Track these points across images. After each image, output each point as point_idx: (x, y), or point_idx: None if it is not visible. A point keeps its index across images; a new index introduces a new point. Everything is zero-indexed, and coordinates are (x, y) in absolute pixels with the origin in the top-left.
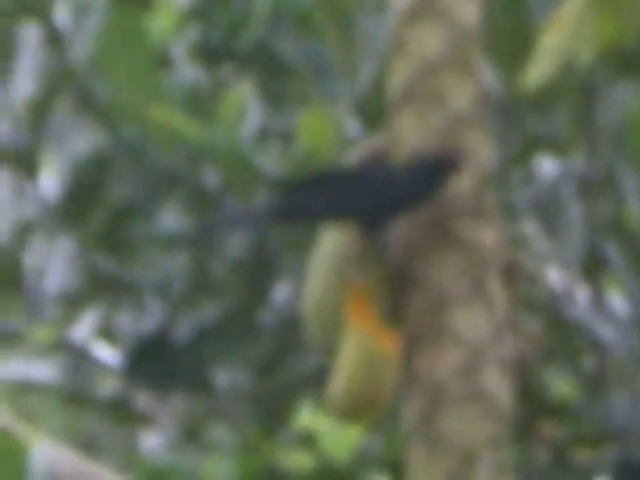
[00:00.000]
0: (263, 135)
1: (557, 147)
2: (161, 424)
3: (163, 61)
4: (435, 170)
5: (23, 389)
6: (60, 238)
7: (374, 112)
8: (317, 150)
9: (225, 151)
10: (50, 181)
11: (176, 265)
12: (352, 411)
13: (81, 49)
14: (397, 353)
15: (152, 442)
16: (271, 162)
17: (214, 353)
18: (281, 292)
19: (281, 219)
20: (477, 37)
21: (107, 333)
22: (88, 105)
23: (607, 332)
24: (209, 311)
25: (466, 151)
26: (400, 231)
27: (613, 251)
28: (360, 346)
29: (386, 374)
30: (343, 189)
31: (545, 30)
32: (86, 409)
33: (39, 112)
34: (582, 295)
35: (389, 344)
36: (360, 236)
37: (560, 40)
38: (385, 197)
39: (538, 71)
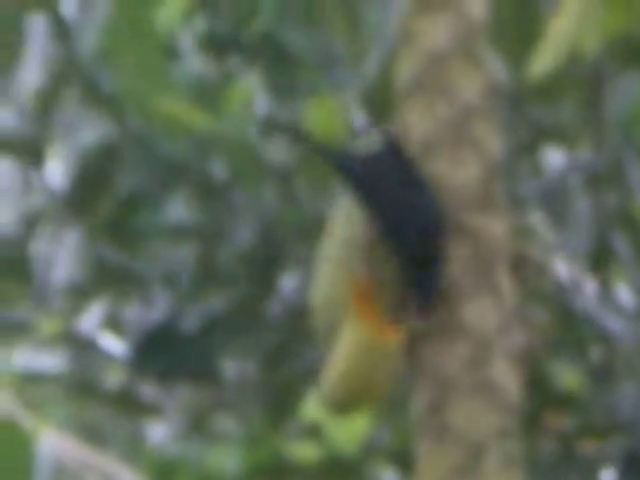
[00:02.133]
0: (270, 126)
1: (565, 138)
2: (168, 415)
3: (170, 52)
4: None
5: (30, 380)
6: (67, 229)
7: (382, 103)
8: (324, 141)
9: (232, 142)
10: (57, 171)
11: (183, 256)
12: (343, 404)
13: (88, 40)
14: (398, 347)
15: (159, 433)
16: (278, 152)
17: (221, 344)
18: (289, 283)
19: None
20: (485, 28)
21: (114, 324)
22: (95, 96)
23: (614, 323)
24: (216, 302)
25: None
26: None
27: (621, 242)
28: (358, 339)
29: (384, 367)
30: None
31: (552, 20)
32: (92, 400)
33: (46, 103)
34: (589, 286)
35: (390, 338)
36: (368, 227)
37: (567, 30)
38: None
39: (545, 61)
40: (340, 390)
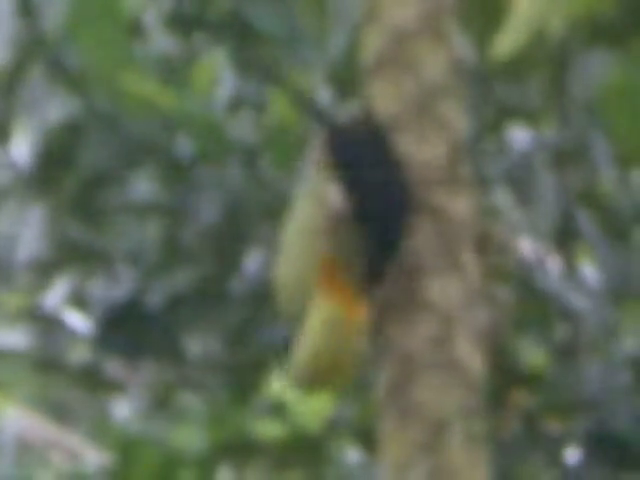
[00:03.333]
0: (236, 103)
1: (530, 117)
2: (132, 392)
3: (135, 29)
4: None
5: None
6: (32, 206)
7: (347, 80)
8: (289, 118)
9: (198, 119)
10: (22, 149)
11: (148, 233)
12: (312, 381)
13: (53, 17)
14: (365, 324)
15: (123, 410)
16: (244, 130)
17: (185, 321)
18: (253, 261)
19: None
20: (450, 6)
21: (79, 301)
22: (60, 73)
23: (579, 302)
24: (181, 279)
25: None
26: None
27: (585, 221)
28: (325, 316)
29: (352, 344)
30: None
31: None
32: (57, 377)
33: (11, 80)
34: (554, 265)
35: (357, 315)
36: (333, 204)
37: (532, 9)
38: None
39: (510, 40)
40: (309, 367)
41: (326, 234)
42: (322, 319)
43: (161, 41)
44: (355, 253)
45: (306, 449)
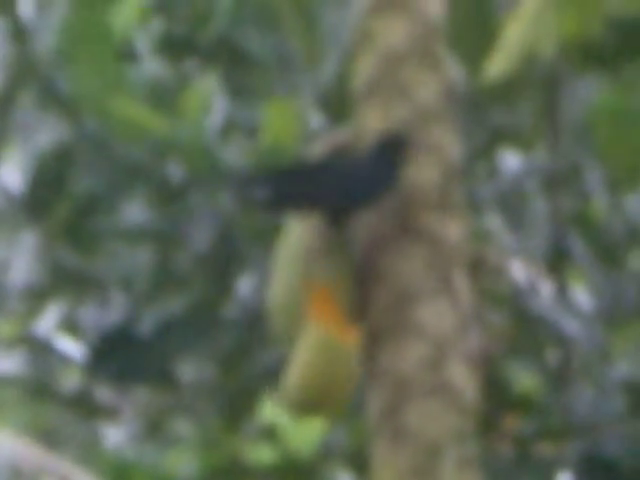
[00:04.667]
0: (227, 128)
1: (521, 141)
2: (124, 418)
3: (127, 54)
4: (391, 152)
5: None
6: (24, 231)
7: (338, 105)
8: (281, 143)
9: (189, 144)
10: (13, 174)
11: (140, 258)
12: (305, 406)
13: (45, 41)
14: (356, 348)
15: (115, 436)
16: (235, 155)
17: (178, 347)
18: (245, 286)
19: (250, 208)
20: (442, 30)
21: (71, 327)
22: (51, 98)
23: (571, 326)
24: (173, 305)
25: (414, 135)
26: (365, 225)
27: (577, 245)
28: (317, 341)
29: (343, 369)
30: (308, 183)
31: (508, 23)
32: (49, 403)
33: (2, 105)
34: (546, 289)
35: (348, 339)
36: (324, 230)
37: (523, 33)
38: (349, 190)
39: (501, 64)
40: (300, 391)
41: (317, 259)
42: (313, 344)
43: (152, 66)
44: (346, 278)
45: (299, 474)
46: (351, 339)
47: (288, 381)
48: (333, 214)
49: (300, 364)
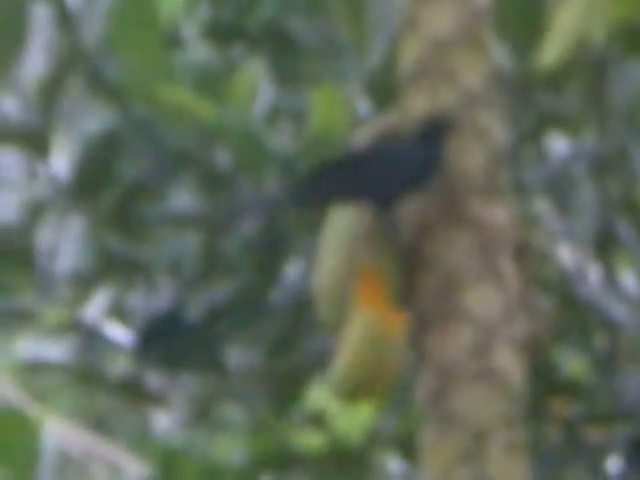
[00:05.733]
0: (274, 115)
1: (569, 125)
2: (173, 404)
3: (174, 41)
4: (436, 135)
5: (35, 369)
6: (71, 218)
7: (385, 91)
8: (328, 129)
9: (236, 131)
10: (61, 161)
11: (188, 244)
12: (354, 392)
13: (92, 29)
14: (404, 334)
15: (164, 422)
16: (283, 142)
17: (226, 333)
18: (293, 271)
19: (295, 205)
20: (489, 15)
21: (119, 313)
22: (99, 85)
23: (619, 311)
24: (221, 291)
25: (459, 117)
26: (412, 210)
27: (625, 229)
28: (365, 327)
29: (391, 356)
30: (355, 172)
31: (557, 8)
32: (98, 389)
33: (50, 92)
34: (594, 274)
35: (396, 325)
36: (371, 216)
37: (573, 19)
38: (394, 177)
39: (553, 50)
40: (349, 378)
41: (364, 244)
42: (361, 329)
43: (199, 52)
44: (393, 264)
45: (347, 460)
46: (398, 325)
47: (336, 368)
48: (379, 202)
49: (347, 351)
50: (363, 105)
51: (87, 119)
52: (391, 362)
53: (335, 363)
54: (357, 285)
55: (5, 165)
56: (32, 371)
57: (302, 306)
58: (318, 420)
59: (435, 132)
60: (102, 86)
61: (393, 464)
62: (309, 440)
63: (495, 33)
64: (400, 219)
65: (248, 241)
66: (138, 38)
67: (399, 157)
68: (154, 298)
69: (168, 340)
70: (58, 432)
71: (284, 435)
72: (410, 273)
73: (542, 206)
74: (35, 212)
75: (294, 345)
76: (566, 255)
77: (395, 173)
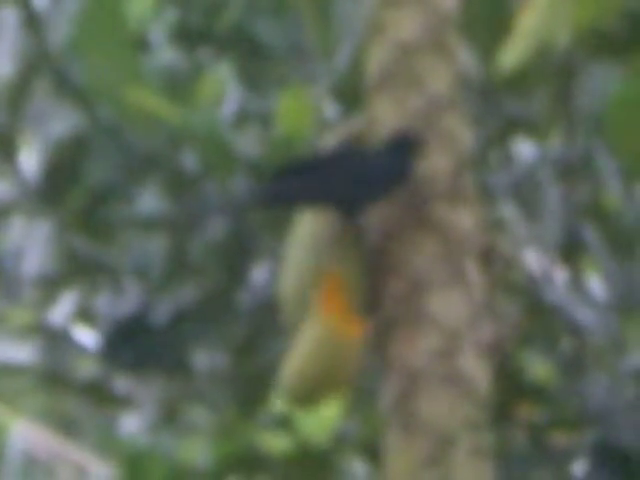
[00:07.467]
0: (242, 117)
1: (535, 130)
2: (140, 406)
3: (141, 44)
4: (405, 148)
5: (1, 371)
6: (38, 220)
7: (352, 94)
8: (295, 132)
9: (203, 133)
10: (28, 163)
11: (154, 247)
12: (300, 395)
13: (59, 31)
14: (362, 341)
15: (131, 424)
16: (249, 144)
17: (192, 335)
18: (259, 274)
19: (261, 206)
20: (455, 20)
21: (85, 315)
22: (66, 87)
23: (585, 315)
24: (187, 293)
25: (427, 130)
26: (377, 215)
27: (591, 234)
28: (320, 331)
29: (345, 360)
30: (321, 175)
31: (522, 12)
32: (64, 391)
33: (17, 94)
34: (560, 278)
35: (353, 331)
36: (337, 220)
37: (537, 22)
38: (362, 182)
39: (515, 53)
40: (298, 382)
41: (328, 250)
42: (315, 334)
43: (167, 55)
44: (358, 268)
45: (313, 462)
46: (356, 331)
47: (285, 370)
48: (345, 207)
49: (299, 354)
50: (330, 108)
51: (54, 122)
52: (342, 368)
53: (285, 366)
54: (319, 290)
55: None
56: None
57: (268, 309)
58: (284, 422)
59: (404, 144)
60: (69, 89)
61: (358, 467)
62: (275, 442)
63: (461, 37)
64: (366, 223)
65: (214, 244)
66: (105, 41)
67: (366, 164)
68: (120, 301)
69: (134, 342)
70: (24, 434)
71: (250, 437)
72: (376, 278)
73: (508, 211)
74: (1, 214)
75: (260, 347)
76: (532, 260)
77: (361, 179)
